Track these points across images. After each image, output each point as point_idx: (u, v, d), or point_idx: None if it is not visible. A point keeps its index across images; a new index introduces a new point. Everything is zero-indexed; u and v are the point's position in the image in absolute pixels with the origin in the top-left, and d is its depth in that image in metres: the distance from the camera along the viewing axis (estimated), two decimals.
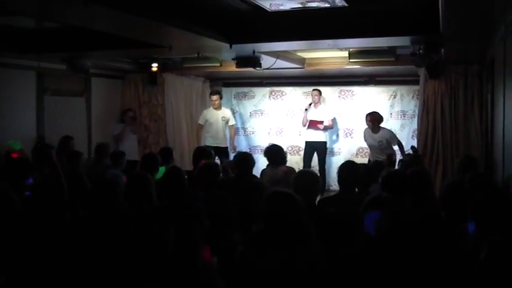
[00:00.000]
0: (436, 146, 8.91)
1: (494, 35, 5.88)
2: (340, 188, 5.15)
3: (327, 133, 10.45)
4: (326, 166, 10.50)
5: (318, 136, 10.29)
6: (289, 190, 3.77)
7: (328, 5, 5.25)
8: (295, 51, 8.47)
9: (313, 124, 10.23)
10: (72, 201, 4.80)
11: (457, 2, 4.27)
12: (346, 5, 5.23)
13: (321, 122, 10.22)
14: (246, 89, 11.65)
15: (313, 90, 10.46)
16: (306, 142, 10.41)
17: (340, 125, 10.99)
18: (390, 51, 8.30)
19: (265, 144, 10.82)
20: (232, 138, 10.67)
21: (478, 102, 8.62)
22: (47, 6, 5.04)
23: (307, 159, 10.30)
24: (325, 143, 10.39)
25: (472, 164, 6.22)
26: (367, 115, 9.22)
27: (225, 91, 11.79)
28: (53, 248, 4.01)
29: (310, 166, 10.12)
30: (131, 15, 5.07)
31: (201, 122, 10.49)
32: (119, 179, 6.38)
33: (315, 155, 10.34)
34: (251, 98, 11.74)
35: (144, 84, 10.27)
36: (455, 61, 8.43)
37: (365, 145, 9.68)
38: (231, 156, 9.64)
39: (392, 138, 9.09)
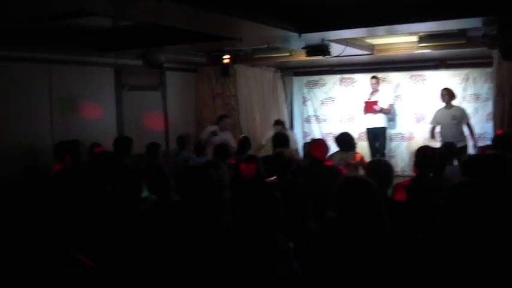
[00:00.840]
0: None
1: None
2: (415, 172, 5.12)
3: (385, 118, 10.39)
4: (399, 151, 10.47)
5: (377, 122, 10.26)
6: (363, 176, 3.80)
7: None
8: (364, 37, 8.45)
9: (369, 107, 10.20)
10: (152, 192, 5.00)
11: None
12: None
13: (375, 103, 10.16)
14: (316, 77, 11.71)
15: (372, 78, 10.42)
16: (367, 129, 10.40)
17: (412, 109, 10.88)
18: (461, 33, 8.11)
19: (337, 131, 10.87)
20: None
21: None
22: (122, 5, 5.29)
23: (371, 145, 10.32)
24: (385, 128, 10.36)
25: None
26: (443, 89, 9.33)
27: (296, 80, 11.92)
28: (126, 238, 4.25)
29: (376, 152, 10.13)
30: (202, 10, 5.22)
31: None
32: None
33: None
34: (322, 86, 11.80)
35: (217, 76, 10.51)
36: None
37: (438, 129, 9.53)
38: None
39: (464, 115, 9.12)
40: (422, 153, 5.01)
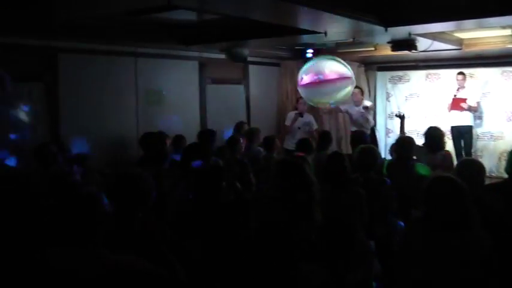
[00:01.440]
0: None
1: None
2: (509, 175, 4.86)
3: (472, 117, 10.00)
4: (486, 151, 10.08)
5: (463, 120, 9.88)
6: (452, 175, 3.68)
7: None
8: (452, 31, 8.16)
9: (455, 104, 9.83)
10: (231, 185, 5.02)
11: None
12: None
13: (464, 100, 9.78)
14: (400, 73, 11.42)
15: (458, 74, 10.03)
16: (452, 127, 10.00)
17: (503, 107, 10.41)
18: None
19: (421, 127, 10.62)
20: None
21: None
22: None
23: (457, 144, 9.93)
24: (471, 127, 9.97)
25: None
26: None
27: (380, 75, 11.69)
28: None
29: (461, 151, 9.78)
30: (288, 3, 5.19)
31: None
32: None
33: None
34: (406, 82, 11.50)
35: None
36: None
37: None
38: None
39: None
40: None
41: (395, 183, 5.51)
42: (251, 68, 10.17)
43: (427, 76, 11.25)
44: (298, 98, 9.80)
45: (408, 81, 11.47)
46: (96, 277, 2.61)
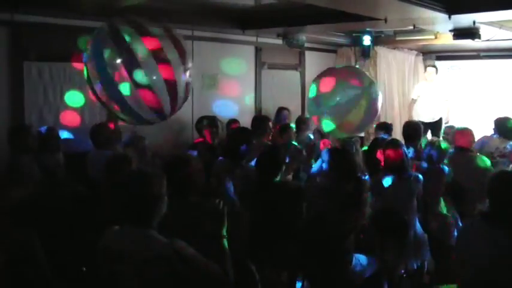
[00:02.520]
0: None
1: None
2: None
3: None
4: None
5: None
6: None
7: None
8: None
9: None
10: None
11: None
12: None
13: None
14: (461, 63, 11.08)
15: None
16: None
17: None
18: None
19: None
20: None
21: None
22: None
23: None
24: None
25: None
26: None
27: (439, 65, 11.38)
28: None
29: None
30: None
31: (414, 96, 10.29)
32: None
33: None
34: (465, 73, 11.19)
35: (356, 58, 10.32)
36: None
37: None
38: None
39: None
40: None
41: (455, 175, 5.39)
42: (307, 54, 10.06)
43: (487, 67, 10.90)
44: None
45: (468, 72, 11.15)
46: (144, 258, 2.63)
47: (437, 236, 5.25)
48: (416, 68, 11.15)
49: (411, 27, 7.81)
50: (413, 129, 6.67)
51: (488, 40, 7.98)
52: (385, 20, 6.83)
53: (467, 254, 3.43)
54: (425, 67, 10.50)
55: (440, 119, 10.00)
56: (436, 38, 8.96)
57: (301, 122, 7.77)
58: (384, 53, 10.29)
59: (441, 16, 6.41)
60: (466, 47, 9.95)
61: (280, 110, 8.35)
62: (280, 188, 4.60)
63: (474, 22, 7.04)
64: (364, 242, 4.88)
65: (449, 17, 6.41)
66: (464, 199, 5.48)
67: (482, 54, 10.69)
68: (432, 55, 11.36)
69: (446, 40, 8.76)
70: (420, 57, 11.23)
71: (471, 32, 7.40)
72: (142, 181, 2.79)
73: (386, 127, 7.56)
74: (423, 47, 10.74)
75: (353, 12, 6.57)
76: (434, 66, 10.33)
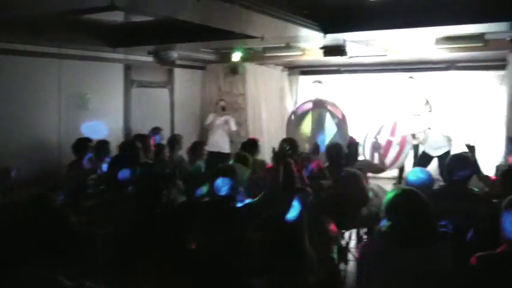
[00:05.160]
0: None
1: None
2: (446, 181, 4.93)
3: None
4: None
5: None
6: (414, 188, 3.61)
7: None
8: (382, 39, 8.27)
9: None
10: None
11: None
12: None
13: None
14: (323, 77, 11.47)
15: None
16: None
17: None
18: (478, 36, 7.94)
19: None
20: None
21: None
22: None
23: None
24: None
25: None
26: None
27: (302, 80, 11.73)
28: None
29: None
30: (226, 4, 4.92)
31: None
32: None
33: None
34: (327, 86, 11.58)
35: (225, 74, 10.31)
36: None
37: None
38: None
39: None
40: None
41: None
42: (176, 71, 9.88)
43: (347, 81, 11.42)
44: (218, 101, 9.76)
45: (329, 86, 11.58)
46: None
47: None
48: (282, 83, 11.37)
49: (284, 44, 7.94)
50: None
51: (354, 56, 8.32)
52: (262, 38, 6.85)
53: (373, 274, 3.40)
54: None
55: None
56: (303, 54, 9.18)
57: (175, 141, 7.55)
58: (252, 69, 10.37)
59: (317, 34, 6.55)
60: (328, 63, 10.29)
61: (156, 130, 8.06)
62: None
63: (344, 40, 7.30)
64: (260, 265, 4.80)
65: (325, 36, 6.59)
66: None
67: (343, 69, 11.16)
68: (297, 70, 11.65)
69: (312, 56, 9.04)
70: (285, 72, 11.47)
71: (340, 49, 7.67)
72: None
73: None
74: (288, 63, 10.94)
75: (232, 30, 6.50)
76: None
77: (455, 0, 5.74)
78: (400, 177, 9.94)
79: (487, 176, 5.09)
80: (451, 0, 5.64)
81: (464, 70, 10.42)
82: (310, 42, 7.67)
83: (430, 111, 9.09)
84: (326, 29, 6.54)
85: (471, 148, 5.21)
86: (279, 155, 4.95)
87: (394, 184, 9.47)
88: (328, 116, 9.01)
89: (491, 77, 10.29)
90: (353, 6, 6.15)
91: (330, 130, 8.95)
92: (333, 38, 6.97)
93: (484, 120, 10.28)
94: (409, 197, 3.37)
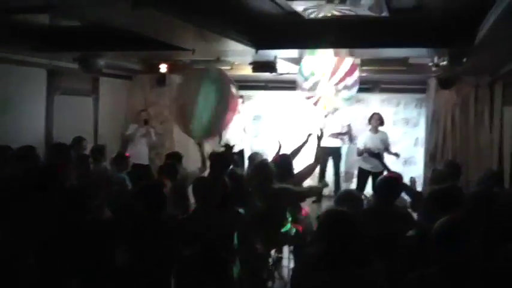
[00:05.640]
0: (446, 156, 8.95)
1: None
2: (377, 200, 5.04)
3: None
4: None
5: (333, 141, 10.17)
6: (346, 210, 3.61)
7: (370, 14, 5.13)
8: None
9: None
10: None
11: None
12: (387, 15, 5.15)
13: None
14: (250, 92, 11.51)
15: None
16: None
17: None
18: (403, 59, 8.21)
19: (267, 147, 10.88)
20: None
21: (488, 113, 8.69)
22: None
23: (323, 164, 10.13)
24: (339, 148, 10.38)
25: (497, 177, 6.20)
26: (375, 114, 9.40)
27: None
28: None
29: (325, 172, 10.20)
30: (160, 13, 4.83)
31: None
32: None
33: (330, 160, 10.33)
34: (252, 102, 11.72)
35: (152, 85, 10.16)
36: (466, 72, 8.45)
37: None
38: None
39: (388, 140, 9.23)
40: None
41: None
42: (102, 80, 9.63)
43: (273, 97, 11.54)
44: (141, 110, 9.65)
45: (255, 101, 11.66)
46: None
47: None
48: None
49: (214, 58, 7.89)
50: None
51: (284, 73, 8.39)
52: (193, 51, 6.79)
53: None
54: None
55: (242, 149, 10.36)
56: (231, 68, 9.16)
57: (97, 151, 7.34)
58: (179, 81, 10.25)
59: (249, 50, 6.57)
60: (256, 78, 10.31)
61: (80, 140, 7.79)
62: None
63: (275, 57, 7.35)
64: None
65: (257, 52, 6.61)
66: None
67: (270, 85, 11.25)
68: None
69: (240, 71, 9.07)
70: None
71: (270, 66, 7.72)
72: None
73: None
74: None
75: (164, 41, 6.40)
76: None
77: (383, 25, 5.90)
78: (320, 194, 10.08)
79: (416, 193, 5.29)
80: (379, 24, 5.76)
81: (387, 92, 10.76)
82: (242, 57, 7.68)
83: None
84: (258, 45, 6.57)
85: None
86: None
87: (314, 202, 9.61)
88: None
89: (413, 99, 10.71)
90: (285, 23, 6.20)
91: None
92: (264, 54, 7.01)
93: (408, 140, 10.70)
94: (339, 218, 3.36)
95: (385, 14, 5.13)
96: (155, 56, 8.70)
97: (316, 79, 7.82)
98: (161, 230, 4.32)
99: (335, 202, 4.67)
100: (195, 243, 4.45)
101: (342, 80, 7.72)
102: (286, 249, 6.32)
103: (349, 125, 10.40)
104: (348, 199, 4.55)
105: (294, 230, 5.75)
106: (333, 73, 7.68)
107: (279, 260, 6.22)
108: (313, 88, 7.95)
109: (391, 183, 4.92)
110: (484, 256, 3.27)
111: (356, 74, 7.84)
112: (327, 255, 3.27)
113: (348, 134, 10.34)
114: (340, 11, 5.18)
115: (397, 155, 9.04)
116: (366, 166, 9.06)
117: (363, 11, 5.03)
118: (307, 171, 6.35)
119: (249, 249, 5.00)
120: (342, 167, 10.68)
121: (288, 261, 6.35)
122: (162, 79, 9.83)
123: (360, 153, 9.17)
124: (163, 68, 9.49)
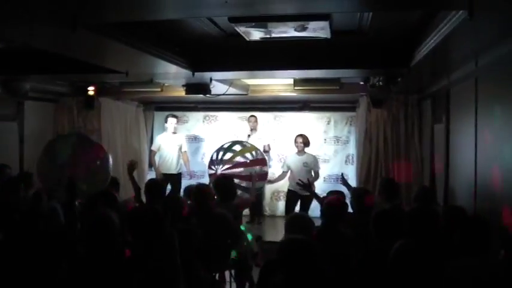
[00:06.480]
0: (379, 173, 9.10)
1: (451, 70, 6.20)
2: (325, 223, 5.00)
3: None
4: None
5: None
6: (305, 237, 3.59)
7: (313, 36, 5.14)
8: (245, 79, 8.38)
9: None
10: None
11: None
12: (329, 37, 5.18)
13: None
14: (179, 114, 11.30)
15: (251, 116, 10.39)
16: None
17: (275, 150, 10.93)
18: (335, 79, 8.28)
19: (199, 169, 10.70)
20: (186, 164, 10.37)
21: (418, 131, 8.92)
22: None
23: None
24: None
25: (429, 194, 6.33)
26: (299, 136, 9.19)
27: (158, 115, 11.54)
28: None
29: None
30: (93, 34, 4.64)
31: (154, 148, 10.28)
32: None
33: None
34: (185, 123, 11.52)
35: (79, 109, 9.81)
36: (396, 91, 8.62)
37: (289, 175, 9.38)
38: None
39: (315, 163, 9.18)
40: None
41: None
42: (26, 103, 9.17)
43: (205, 118, 11.48)
44: None
45: (187, 122, 11.54)
46: None
47: None
48: (138, 118, 11.10)
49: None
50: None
51: (219, 95, 8.29)
52: (126, 73, 6.61)
53: None
54: (166, 118, 10.46)
55: (180, 173, 10.21)
56: (161, 90, 8.98)
57: (27, 177, 7.01)
58: (107, 104, 9.98)
59: (186, 72, 6.46)
60: (185, 99, 10.11)
61: (2, 167, 7.37)
62: None
63: (211, 79, 7.27)
64: None
65: (193, 74, 6.51)
66: None
67: (199, 106, 11.15)
68: (152, 105, 11.43)
69: (170, 93, 8.96)
70: (141, 108, 11.21)
71: (204, 88, 7.61)
72: None
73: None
74: (143, 98, 10.67)
75: (96, 64, 6.18)
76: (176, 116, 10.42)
77: (315, 47, 5.95)
78: (253, 215, 10.02)
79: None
80: (312, 45, 5.80)
81: (318, 111, 10.88)
82: (175, 79, 7.54)
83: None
84: (195, 67, 6.48)
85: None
86: None
87: (248, 223, 9.51)
88: None
89: (343, 117, 10.87)
90: (221, 46, 6.16)
91: None
92: (199, 77, 6.91)
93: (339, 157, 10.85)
94: (300, 246, 3.38)
95: (327, 36, 5.15)
96: (84, 79, 8.40)
97: None
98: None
99: (286, 226, 4.63)
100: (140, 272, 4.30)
101: None
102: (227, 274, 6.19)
103: (268, 145, 10.35)
104: (298, 224, 4.52)
105: (234, 254, 5.69)
106: None
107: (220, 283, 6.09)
108: None
109: (336, 208, 4.92)
110: (432, 274, 3.31)
111: None
112: (291, 284, 3.30)
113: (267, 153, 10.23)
114: (284, 33, 5.14)
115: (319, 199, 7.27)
116: (296, 188, 8.77)
117: (307, 33, 5.02)
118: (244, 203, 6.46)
119: (192, 274, 4.88)
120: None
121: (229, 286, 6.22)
122: (90, 102, 9.46)
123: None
124: (91, 90, 9.19)
